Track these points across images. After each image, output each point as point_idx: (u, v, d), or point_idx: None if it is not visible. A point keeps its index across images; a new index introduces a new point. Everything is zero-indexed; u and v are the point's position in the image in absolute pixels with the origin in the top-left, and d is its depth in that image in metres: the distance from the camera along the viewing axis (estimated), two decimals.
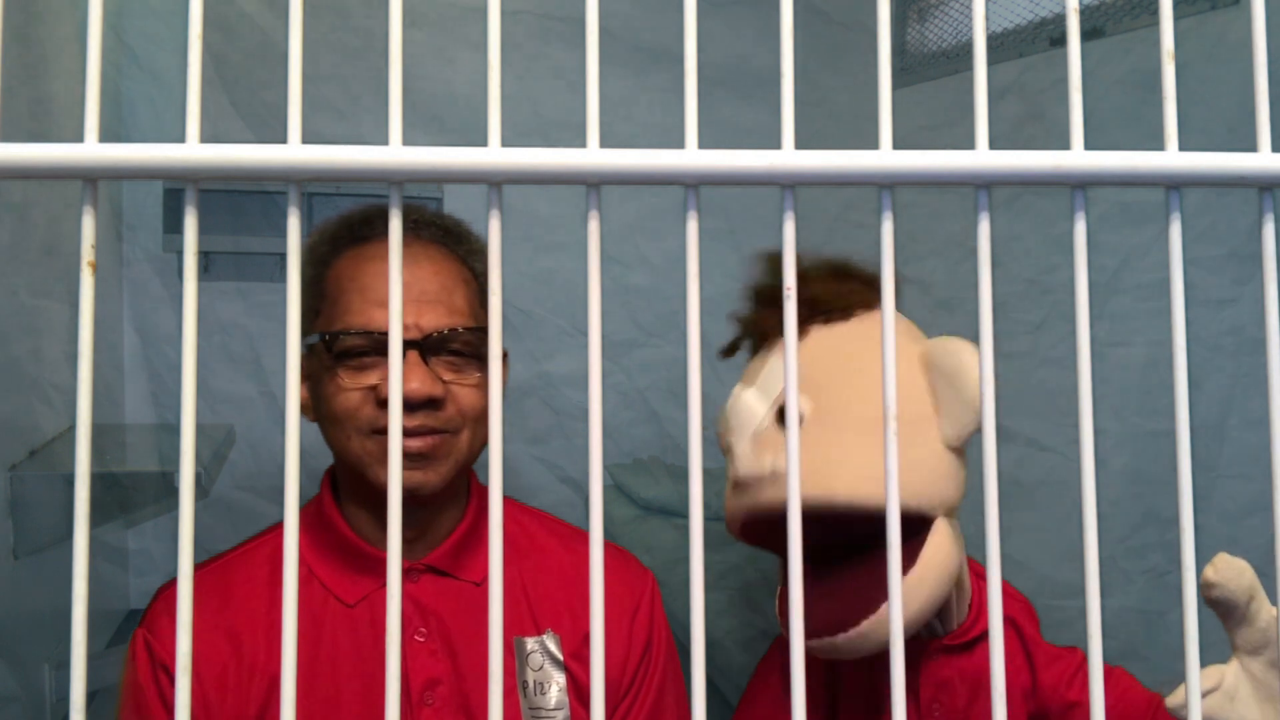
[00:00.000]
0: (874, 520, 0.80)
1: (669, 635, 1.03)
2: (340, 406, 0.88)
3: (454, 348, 0.91)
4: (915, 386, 0.88)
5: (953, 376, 0.86)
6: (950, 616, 0.91)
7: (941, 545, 0.84)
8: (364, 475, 0.90)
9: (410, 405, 0.87)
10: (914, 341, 0.92)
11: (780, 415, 0.88)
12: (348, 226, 0.96)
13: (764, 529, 0.88)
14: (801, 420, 0.85)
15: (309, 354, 0.94)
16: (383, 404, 0.88)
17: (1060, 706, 0.93)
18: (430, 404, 0.88)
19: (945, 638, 0.92)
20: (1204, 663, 0.77)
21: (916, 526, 0.85)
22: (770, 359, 0.93)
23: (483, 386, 0.93)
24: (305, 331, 0.93)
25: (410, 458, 0.88)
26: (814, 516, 0.78)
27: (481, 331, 0.93)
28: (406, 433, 0.87)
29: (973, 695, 0.92)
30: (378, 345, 0.89)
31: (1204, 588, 0.75)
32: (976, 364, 0.87)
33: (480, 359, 0.94)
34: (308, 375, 0.95)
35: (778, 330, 0.93)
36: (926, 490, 0.85)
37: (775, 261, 0.97)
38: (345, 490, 0.95)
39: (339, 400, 0.88)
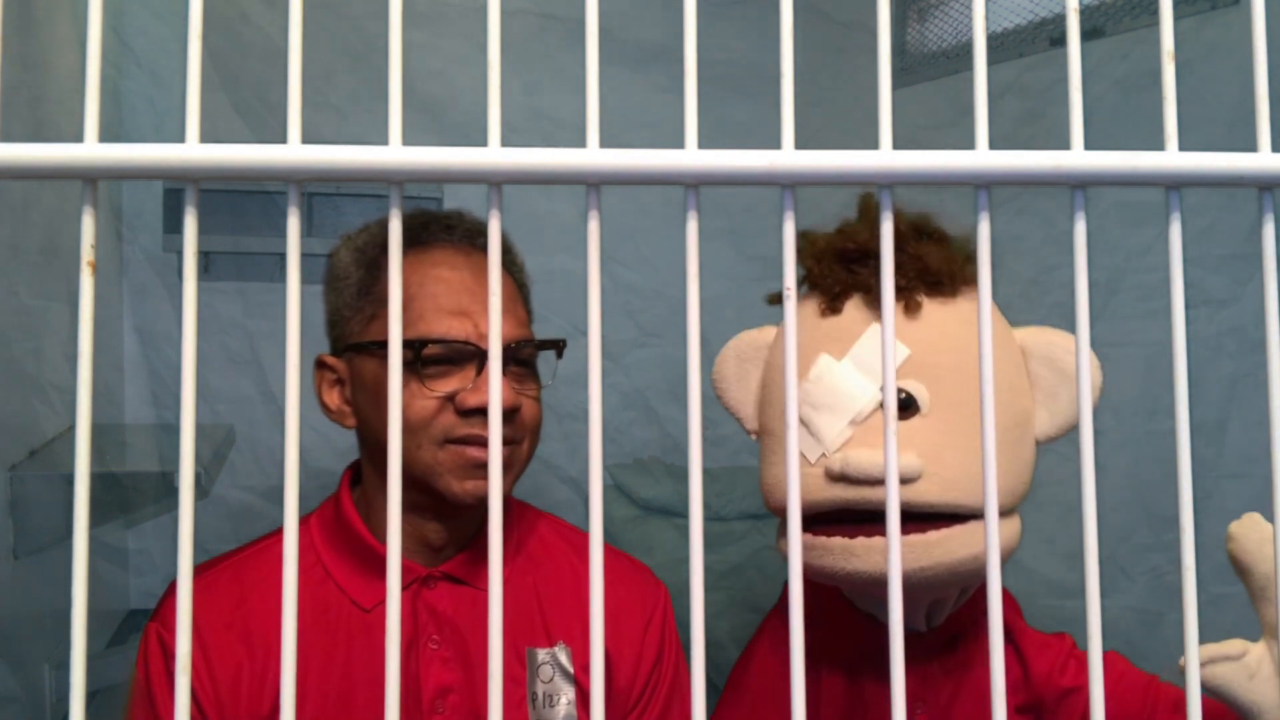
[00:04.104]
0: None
1: (679, 648, 1.03)
2: (414, 415, 0.86)
3: (519, 358, 0.92)
4: (1021, 378, 0.85)
5: (1066, 372, 0.84)
6: (942, 610, 0.90)
7: (1014, 528, 0.83)
8: (432, 485, 0.89)
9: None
10: (1010, 329, 0.88)
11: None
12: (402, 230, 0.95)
13: (845, 518, 0.81)
14: (917, 408, 0.80)
15: (354, 359, 0.93)
16: (462, 413, 0.88)
17: (1055, 694, 0.92)
18: (508, 413, 0.88)
19: (927, 634, 0.90)
20: None
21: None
22: (869, 330, 0.83)
23: (539, 398, 0.95)
24: (353, 335, 0.93)
25: (485, 467, 0.88)
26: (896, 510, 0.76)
27: (542, 344, 0.96)
28: (484, 442, 0.87)
29: (955, 690, 0.91)
30: (455, 354, 0.89)
31: (1226, 540, 0.74)
32: (1096, 367, 0.84)
33: (536, 370, 0.96)
34: (348, 381, 0.93)
35: (875, 292, 0.84)
36: (1022, 490, 0.84)
37: (871, 212, 0.87)
38: (375, 493, 0.94)
39: (412, 409, 0.86)
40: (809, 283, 0.88)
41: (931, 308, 0.84)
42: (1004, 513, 0.82)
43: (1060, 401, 0.85)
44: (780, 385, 0.84)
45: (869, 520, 0.80)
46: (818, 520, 0.82)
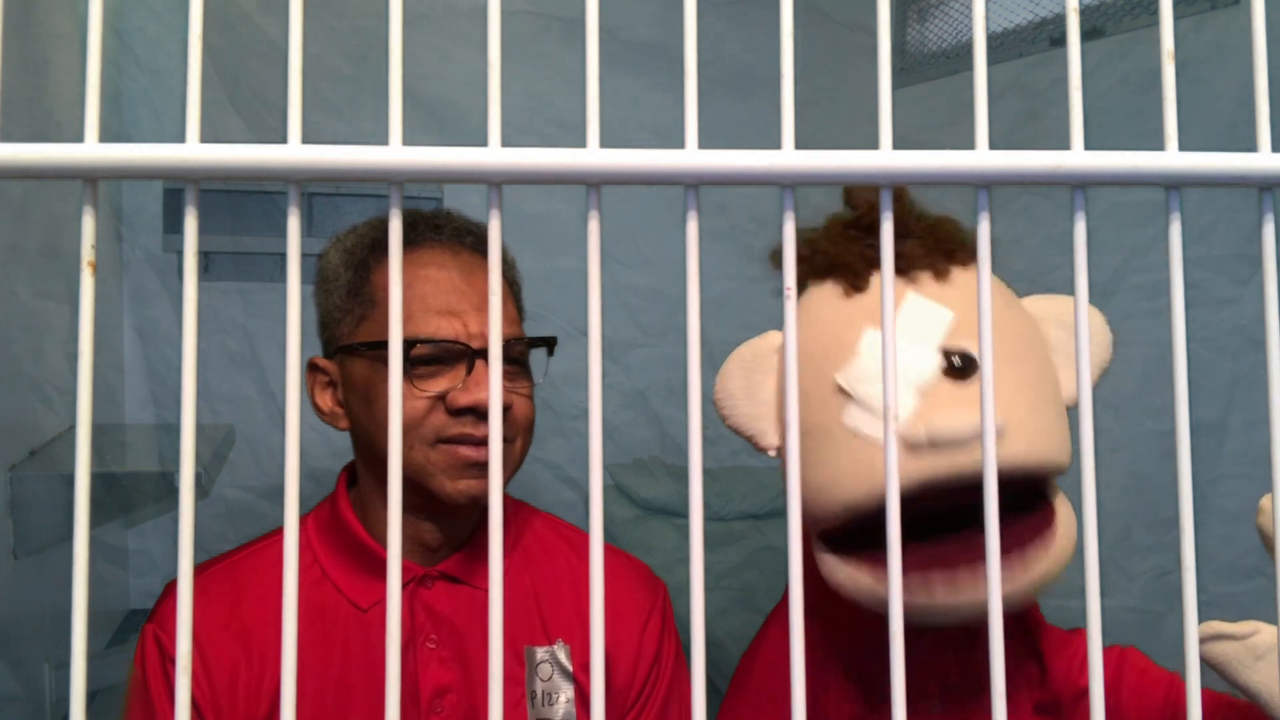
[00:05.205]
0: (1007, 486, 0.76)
1: (678, 646, 1.02)
2: (405, 416, 0.86)
3: (511, 356, 0.92)
4: (1041, 344, 0.83)
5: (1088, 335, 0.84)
6: None
7: (1072, 519, 0.79)
8: (424, 485, 0.88)
9: (481, 413, 0.87)
10: (1017, 300, 0.87)
11: (951, 366, 0.77)
12: (387, 231, 0.94)
13: (929, 496, 0.76)
14: (977, 367, 0.76)
15: (345, 361, 0.92)
16: (452, 412, 0.88)
17: (1074, 693, 0.90)
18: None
19: (947, 629, 0.89)
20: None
21: (1041, 492, 0.80)
22: (907, 299, 0.80)
23: (532, 396, 0.94)
24: (344, 337, 0.92)
25: (480, 466, 0.87)
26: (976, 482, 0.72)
27: (533, 341, 0.95)
28: (475, 442, 0.87)
29: (972, 688, 0.90)
30: (444, 353, 0.88)
31: (1257, 513, 0.73)
32: (1105, 326, 0.85)
33: (528, 368, 0.95)
34: (340, 383, 0.93)
35: (902, 264, 0.81)
36: (1066, 447, 0.79)
37: (864, 191, 0.85)
38: (370, 494, 0.94)
39: (403, 409, 0.86)
40: (821, 269, 0.85)
41: (958, 274, 0.82)
42: (1062, 471, 0.80)
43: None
44: (811, 378, 0.80)
45: (951, 525, 0.75)
46: (874, 538, 0.75)
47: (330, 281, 0.94)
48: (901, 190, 0.85)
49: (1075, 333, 0.39)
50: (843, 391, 0.78)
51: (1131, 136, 1.64)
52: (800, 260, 0.87)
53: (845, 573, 0.80)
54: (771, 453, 0.85)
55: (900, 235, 0.82)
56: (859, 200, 0.86)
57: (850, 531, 0.81)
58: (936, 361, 0.77)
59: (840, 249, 0.84)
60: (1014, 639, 0.89)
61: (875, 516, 0.77)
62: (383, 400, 0.88)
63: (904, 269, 0.82)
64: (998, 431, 0.74)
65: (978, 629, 0.88)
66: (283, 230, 0.37)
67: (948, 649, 0.88)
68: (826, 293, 0.84)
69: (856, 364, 0.78)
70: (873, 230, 0.84)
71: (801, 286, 0.88)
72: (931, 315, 0.79)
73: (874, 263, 0.83)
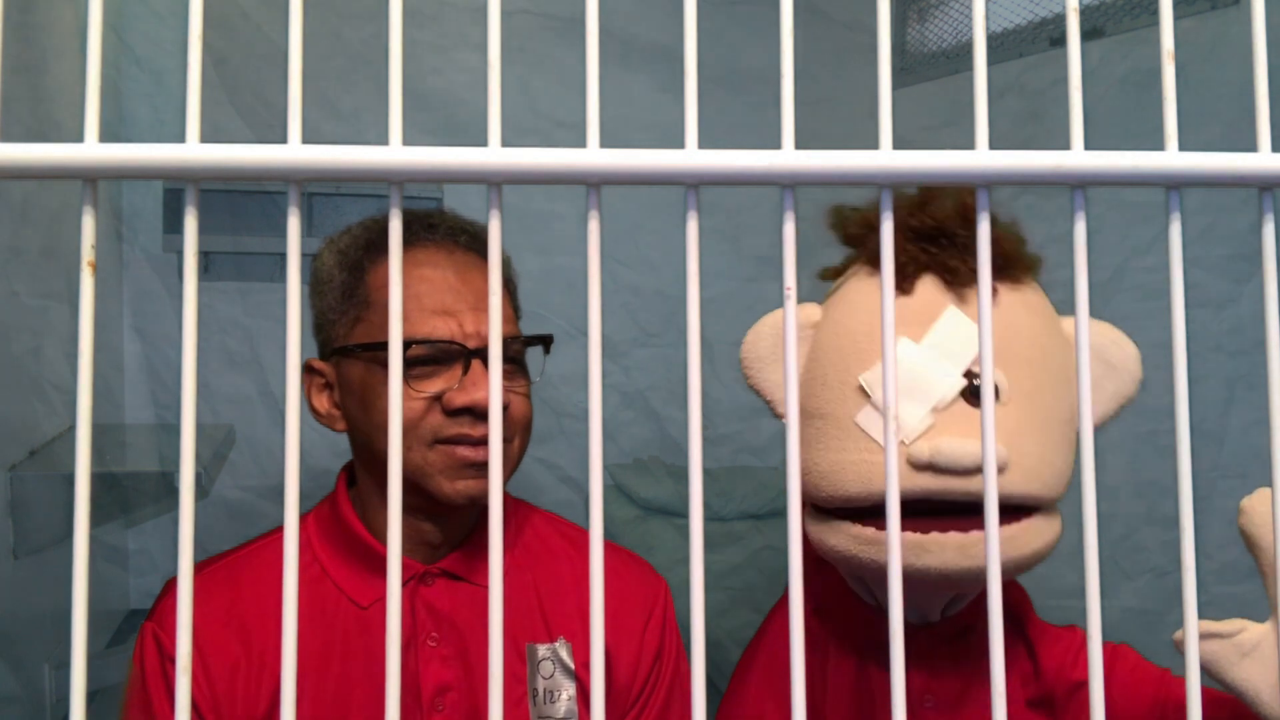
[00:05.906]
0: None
1: (680, 644, 1.02)
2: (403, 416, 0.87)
3: (508, 355, 0.92)
4: (1069, 369, 0.83)
5: (1111, 364, 0.84)
6: (961, 602, 0.89)
7: (1037, 527, 0.80)
8: (422, 486, 0.88)
9: (478, 413, 0.87)
10: (1058, 318, 0.87)
11: (972, 390, 0.77)
12: (381, 232, 0.94)
13: (916, 509, 0.77)
14: (996, 396, 0.77)
15: (341, 362, 0.92)
16: (449, 413, 0.88)
17: (1066, 687, 0.91)
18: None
19: (938, 625, 0.90)
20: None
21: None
22: (947, 312, 0.80)
23: (529, 394, 0.94)
24: (339, 339, 0.92)
25: (478, 466, 0.87)
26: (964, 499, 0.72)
27: (529, 340, 0.95)
28: (473, 442, 0.87)
29: (965, 683, 0.90)
30: (440, 354, 0.88)
31: (1238, 514, 0.73)
32: (1138, 363, 0.85)
33: (525, 366, 0.95)
34: (337, 384, 0.93)
35: (952, 274, 0.81)
36: (1065, 480, 0.81)
37: (949, 193, 0.85)
38: (369, 494, 0.94)
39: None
40: (873, 258, 0.85)
41: (1004, 293, 0.82)
42: (1055, 500, 0.81)
43: (1104, 392, 0.84)
44: (838, 367, 0.81)
45: (942, 513, 0.77)
46: (878, 513, 0.77)
47: (325, 283, 0.94)
48: (968, 206, 0.83)
49: (1075, 331, 0.39)
50: (863, 392, 0.79)
51: (1131, 136, 1.64)
52: (854, 239, 0.87)
53: (827, 529, 0.81)
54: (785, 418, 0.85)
55: (961, 248, 0.82)
56: (935, 211, 0.84)
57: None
58: (959, 383, 0.78)
59: (896, 245, 0.83)
60: (1006, 635, 0.90)
61: (870, 509, 0.79)
62: (380, 401, 0.88)
63: (952, 283, 0.81)
64: (1002, 464, 0.75)
65: (970, 627, 0.89)
66: (283, 230, 0.37)
67: (943, 646, 0.89)
68: (871, 287, 0.84)
69: (878, 370, 0.79)
70: (941, 235, 0.83)
71: (849, 266, 0.88)
72: (965, 334, 0.79)
73: (925, 267, 0.82)
